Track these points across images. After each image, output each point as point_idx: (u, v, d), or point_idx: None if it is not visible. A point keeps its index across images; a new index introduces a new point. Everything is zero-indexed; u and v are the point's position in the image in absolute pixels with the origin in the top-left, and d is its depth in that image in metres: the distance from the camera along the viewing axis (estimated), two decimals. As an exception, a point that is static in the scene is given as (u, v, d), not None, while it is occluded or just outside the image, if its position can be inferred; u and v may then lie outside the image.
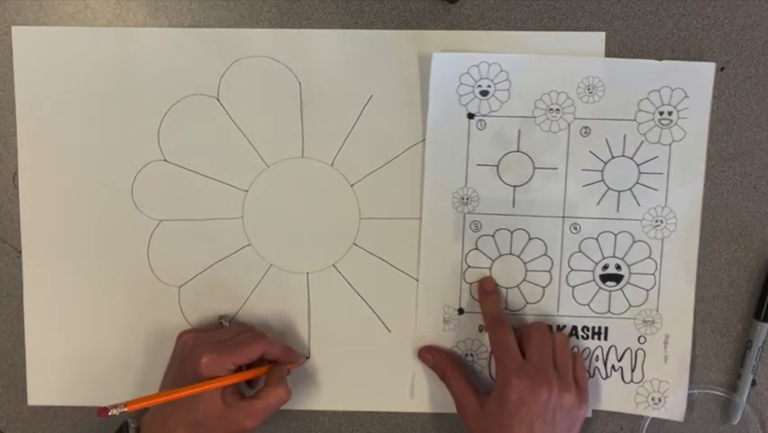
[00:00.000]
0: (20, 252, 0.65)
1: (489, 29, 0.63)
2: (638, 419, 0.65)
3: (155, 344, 0.65)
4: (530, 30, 0.63)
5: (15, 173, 0.65)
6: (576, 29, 0.63)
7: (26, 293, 0.65)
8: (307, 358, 0.65)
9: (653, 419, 0.65)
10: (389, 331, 0.65)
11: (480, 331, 0.64)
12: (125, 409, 0.53)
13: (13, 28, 0.63)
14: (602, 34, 0.63)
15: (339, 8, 0.63)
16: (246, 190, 0.64)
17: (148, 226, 0.64)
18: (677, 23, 0.62)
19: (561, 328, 0.64)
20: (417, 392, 0.65)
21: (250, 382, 0.62)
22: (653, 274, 0.63)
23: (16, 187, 0.65)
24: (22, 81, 0.64)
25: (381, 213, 0.64)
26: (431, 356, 0.64)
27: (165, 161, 0.64)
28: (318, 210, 0.64)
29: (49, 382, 0.65)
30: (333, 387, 0.65)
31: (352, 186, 0.64)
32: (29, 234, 0.65)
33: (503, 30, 0.63)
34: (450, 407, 0.63)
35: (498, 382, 0.60)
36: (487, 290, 0.63)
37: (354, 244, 0.64)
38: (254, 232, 0.65)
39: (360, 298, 0.65)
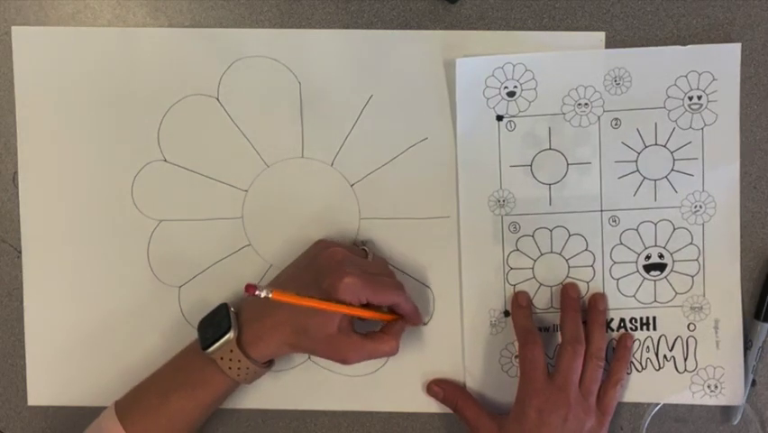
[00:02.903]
0: (20, 252, 0.65)
1: (489, 29, 0.63)
2: (638, 418, 0.65)
3: (155, 344, 0.64)
4: (530, 30, 0.63)
5: (15, 173, 0.65)
6: (576, 29, 0.63)
7: (26, 293, 0.65)
8: (425, 324, 0.64)
9: (653, 420, 0.65)
10: (389, 331, 0.65)
11: None
12: (269, 296, 0.53)
13: (13, 28, 0.63)
14: (602, 34, 0.63)
15: (339, 8, 0.63)
16: (246, 190, 0.64)
17: (148, 226, 0.64)
18: (677, 23, 0.62)
19: (609, 322, 0.64)
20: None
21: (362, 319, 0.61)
22: (697, 260, 0.63)
23: (16, 187, 0.65)
24: (22, 81, 0.64)
25: (381, 213, 0.64)
26: (440, 389, 0.64)
27: (165, 161, 0.64)
28: (318, 210, 0.64)
29: (49, 382, 0.65)
30: (333, 387, 0.65)
31: (351, 186, 0.64)
32: (29, 234, 0.65)
33: (503, 30, 0.63)
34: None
35: (518, 397, 0.60)
36: (521, 304, 0.63)
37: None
38: (254, 232, 0.65)
39: (360, 298, 0.65)
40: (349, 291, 0.56)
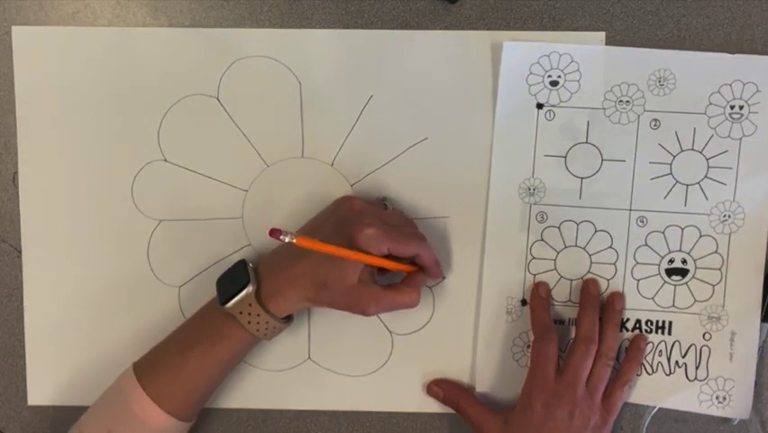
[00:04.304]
0: (20, 252, 0.65)
1: (489, 29, 0.63)
2: (638, 418, 0.65)
3: (155, 344, 0.64)
4: (530, 30, 0.63)
5: (15, 173, 0.65)
6: (576, 29, 0.63)
7: (26, 293, 0.65)
8: (444, 278, 0.64)
9: (653, 420, 0.65)
10: (389, 331, 0.65)
11: None
12: (293, 241, 0.52)
13: (14, 28, 0.63)
14: (602, 34, 0.63)
15: (339, 8, 0.63)
16: (246, 190, 0.64)
17: (148, 226, 0.64)
18: (677, 23, 0.62)
19: (624, 322, 0.64)
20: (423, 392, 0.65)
21: (382, 273, 0.60)
22: (720, 269, 0.63)
23: (16, 187, 0.65)
24: (22, 81, 0.64)
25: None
26: (440, 389, 0.64)
27: (165, 161, 0.64)
28: (318, 210, 0.64)
29: (49, 382, 0.65)
30: (333, 387, 0.65)
31: (351, 186, 0.64)
32: (29, 234, 0.65)
33: (503, 30, 0.63)
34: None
35: (525, 389, 0.61)
36: (541, 295, 0.63)
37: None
38: (254, 232, 0.65)
39: (360, 298, 0.65)
40: (371, 242, 0.56)
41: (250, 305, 0.57)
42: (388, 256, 0.57)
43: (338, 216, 0.59)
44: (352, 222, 0.57)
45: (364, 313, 0.57)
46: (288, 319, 0.60)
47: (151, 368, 0.59)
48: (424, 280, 0.60)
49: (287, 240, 0.52)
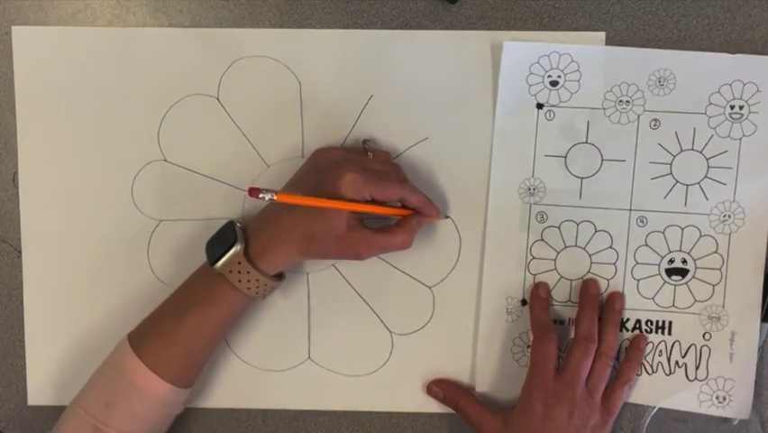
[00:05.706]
0: (20, 252, 0.65)
1: (489, 29, 0.63)
2: (638, 418, 0.65)
3: (155, 344, 0.65)
4: (530, 30, 0.63)
5: (15, 173, 0.65)
6: (576, 29, 0.63)
7: (26, 293, 0.65)
8: (447, 217, 0.64)
9: (653, 419, 0.65)
10: (389, 331, 0.65)
11: None
12: (274, 198, 0.52)
13: (13, 28, 0.63)
14: (602, 34, 0.63)
15: (339, 8, 0.63)
16: (246, 190, 0.64)
17: (148, 226, 0.64)
18: (677, 23, 0.62)
19: (624, 322, 0.64)
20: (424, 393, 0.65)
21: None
22: (720, 270, 0.63)
23: (16, 187, 0.65)
24: (23, 81, 0.64)
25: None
26: (440, 389, 0.64)
27: (165, 161, 0.64)
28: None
29: (49, 382, 0.65)
30: (333, 387, 0.65)
31: (352, 186, 0.64)
32: (29, 235, 0.65)
33: (503, 30, 0.63)
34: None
35: (525, 389, 0.61)
36: (540, 296, 0.63)
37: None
38: (254, 232, 0.64)
39: (360, 298, 0.65)
40: (351, 188, 0.56)
41: (239, 263, 0.57)
42: (374, 202, 0.57)
43: (319, 166, 0.59)
44: (332, 171, 0.57)
45: (358, 257, 0.58)
46: (280, 277, 0.59)
47: (146, 336, 0.59)
48: (418, 223, 0.60)
49: (267, 198, 0.52)
